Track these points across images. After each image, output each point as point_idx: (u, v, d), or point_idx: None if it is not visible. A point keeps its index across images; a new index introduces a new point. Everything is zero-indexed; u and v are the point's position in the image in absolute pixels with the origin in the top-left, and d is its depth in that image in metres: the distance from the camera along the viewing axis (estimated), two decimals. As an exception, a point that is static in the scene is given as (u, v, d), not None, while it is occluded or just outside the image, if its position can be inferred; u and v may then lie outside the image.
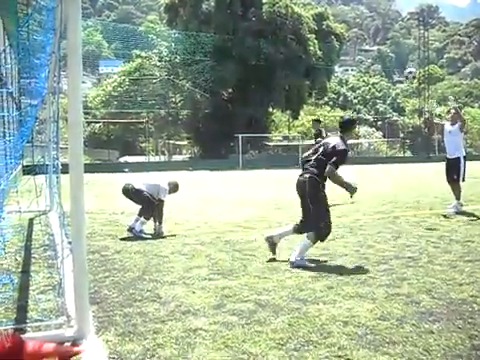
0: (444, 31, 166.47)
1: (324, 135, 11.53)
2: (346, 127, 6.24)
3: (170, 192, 8.07)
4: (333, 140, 6.03)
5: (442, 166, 10.88)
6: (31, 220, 9.30)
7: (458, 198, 10.08)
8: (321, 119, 14.16)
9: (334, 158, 5.77)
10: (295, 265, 5.61)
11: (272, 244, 6.11)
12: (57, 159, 5.14)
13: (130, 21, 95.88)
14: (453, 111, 10.73)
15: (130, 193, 7.93)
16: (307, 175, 5.93)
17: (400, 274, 5.27)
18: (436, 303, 4.30)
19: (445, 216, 9.47)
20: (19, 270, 5.60)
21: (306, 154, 6.38)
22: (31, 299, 4.48)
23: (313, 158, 6.00)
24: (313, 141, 13.16)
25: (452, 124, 10.22)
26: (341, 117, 7.12)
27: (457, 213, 9.75)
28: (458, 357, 3.22)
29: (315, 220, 5.86)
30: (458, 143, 10.20)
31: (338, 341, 3.49)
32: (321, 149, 5.99)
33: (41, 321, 3.82)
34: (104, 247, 6.94)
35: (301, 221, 6.12)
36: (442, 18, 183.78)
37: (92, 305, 4.24)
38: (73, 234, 3.50)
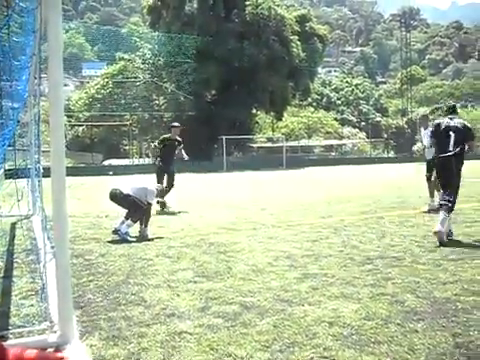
0: (426, 32, 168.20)
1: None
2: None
3: (158, 196, 8.07)
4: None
5: (424, 165, 11.08)
6: (13, 224, 9.19)
7: (432, 195, 10.43)
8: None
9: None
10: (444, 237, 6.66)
11: (447, 235, 6.87)
12: (38, 162, 5.08)
13: (113, 23, 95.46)
14: (422, 114, 11.47)
15: (118, 198, 7.87)
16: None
17: (385, 274, 5.29)
18: (420, 302, 4.32)
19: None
20: (1, 275, 5.52)
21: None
22: (13, 305, 4.42)
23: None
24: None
25: (424, 128, 10.73)
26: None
27: (431, 211, 9.92)
28: (442, 355, 3.23)
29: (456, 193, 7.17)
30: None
31: (323, 342, 3.49)
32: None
33: (24, 327, 3.76)
34: (88, 251, 6.87)
35: (448, 200, 7.08)
36: (423, 20, 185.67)
37: (76, 310, 4.20)
38: (56, 238, 3.46)
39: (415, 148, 12.16)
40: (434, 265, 5.63)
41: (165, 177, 11.31)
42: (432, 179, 10.36)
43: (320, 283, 4.97)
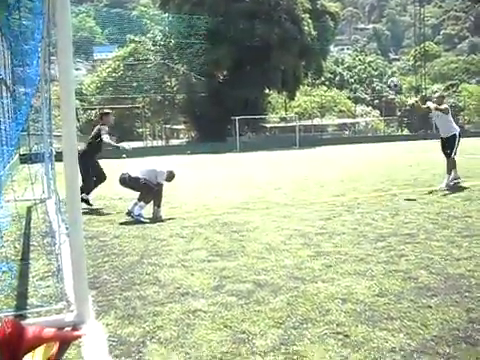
0: (440, 7, 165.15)
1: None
2: None
3: (167, 180, 8.06)
4: None
5: (438, 143, 10.96)
6: (29, 208, 9.30)
7: (449, 173, 10.31)
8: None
9: None
10: None
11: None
12: (51, 146, 5.13)
13: (123, 6, 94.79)
14: (438, 94, 11.19)
15: (127, 182, 7.91)
16: None
17: (398, 251, 5.29)
18: (434, 278, 4.32)
19: (431, 192, 9.62)
20: (18, 258, 5.61)
21: None
22: (31, 286, 4.50)
23: None
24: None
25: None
26: None
27: (452, 188, 9.86)
28: (455, 330, 3.24)
29: None
30: (450, 122, 10.42)
31: (337, 318, 3.51)
32: None
33: (41, 307, 3.84)
34: (102, 232, 6.95)
35: None
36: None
37: (92, 290, 4.27)
38: (70, 220, 3.51)
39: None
40: (448, 241, 5.62)
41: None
42: (453, 155, 10.29)
43: (333, 261, 4.99)
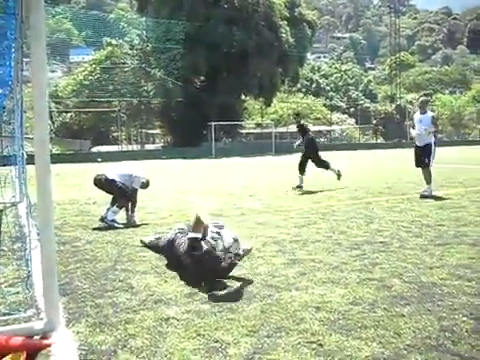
0: (415, 18, 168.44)
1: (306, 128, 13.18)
2: None
3: (141, 187, 7.96)
4: None
5: (413, 152, 11.06)
6: (0, 212, 9.10)
7: (428, 182, 10.30)
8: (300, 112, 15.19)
9: None
10: None
11: None
12: (22, 149, 5.03)
13: (100, 8, 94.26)
14: (422, 99, 11.13)
15: (102, 183, 7.80)
16: None
17: (372, 259, 5.31)
18: (407, 287, 4.34)
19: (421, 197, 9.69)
20: (-13, 263, 5.47)
21: None
22: (-1, 292, 4.39)
23: None
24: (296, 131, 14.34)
25: (422, 113, 10.46)
26: None
27: (428, 197, 9.93)
28: (427, 338, 3.26)
29: None
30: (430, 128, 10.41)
31: (310, 327, 3.50)
32: None
33: (9, 315, 3.74)
34: (75, 238, 6.84)
35: None
36: (412, 6, 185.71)
37: (63, 296, 4.18)
38: (41, 224, 3.43)
39: (413, 134, 12.01)
40: (421, 250, 5.66)
41: None
42: (431, 165, 10.33)
43: (308, 268, 4.98)
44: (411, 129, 11.01)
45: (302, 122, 13.67)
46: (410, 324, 3.51)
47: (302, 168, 12.62)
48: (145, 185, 8.01)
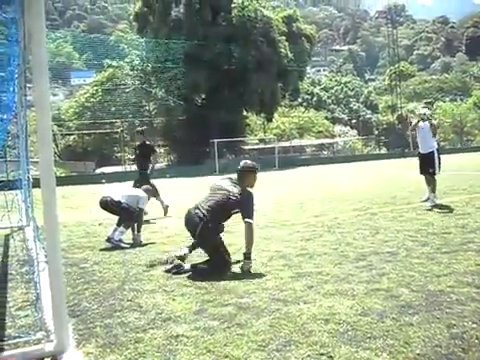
0: (412, 28, 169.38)
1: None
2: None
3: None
4: None
5: (416, 161, 11.07)
6: (7, 236, 9.15)
7: (433, 191, 10.29)
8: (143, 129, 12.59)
9: None
10: None
11: None
12: (28, 173, 5.08)
13: (100, 31, 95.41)
14: (423, 112, 11.17)
15: (108, 205, 7.86)
16: None
17: (379, 269, 5.31)
18: (415, 296, 4.34)
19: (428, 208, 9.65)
20: (-4, 287, 5.50)
21: None
22: (8, 316, 4.41)
23: None
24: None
25: (424, 121, 10.50)
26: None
27: (433, 206, 9.92)
28: (437, 347, 3.26)
29: None
30: (431, 138, 10.43)
31: (320, 339, 3.50)
32: None
33: (19, 338, 3.75)
34: (83, 259, 6.86)
35: None
36: (409, 16, 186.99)
37: (72, 318, 4.20)
38: (48, 247, 3.46)
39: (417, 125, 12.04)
40: (428, 258, 5.66)
41: None
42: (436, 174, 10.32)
43: (315, 281, 4.98)
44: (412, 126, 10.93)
45: (146, 141, 11.63)
46: (419, 333, 3.51)
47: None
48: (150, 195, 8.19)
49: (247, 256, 5.57)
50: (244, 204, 5.63)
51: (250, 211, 5.58)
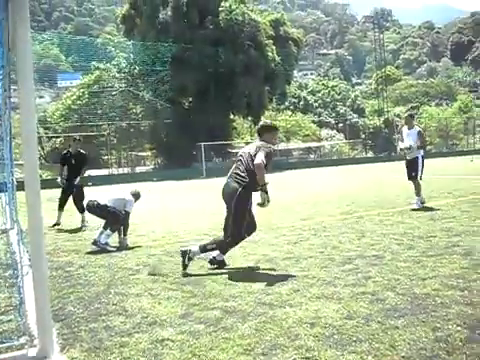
0: (398, 33, 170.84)
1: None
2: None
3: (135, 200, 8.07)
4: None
5: (402, 165, 11.18)
6: (-9, 239, 9.05)
7: (418, 194, 10.41)
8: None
9: None
10: None
11: None
12: (12, 175, 5.03)
13: (87, 33, 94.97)
14: (407, 113, 11.42)
15: (95, 209, 7.83)
16: None
17: (365, 273, 5.33)
18: (401, 299, 4.36)
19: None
20: (-21, 291, 5.43)
21: None
22: (-8, 320, 4.36)
23: None
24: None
25: (409, 128, 10.68)
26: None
27: (418, 209, 10.01)
28: (422, 350, 3.27)
29: None
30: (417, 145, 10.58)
31: (305, 343, 3.50)
32: None
33: (2, 343, 3.70)
34: (68, 263, 6.81)
35: None
36: (396, 21, 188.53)
37: (56, 322, 4.16)
38: (32, 250, 3.42)
39: (402, 147, 12.08)
40: (413, 262, 5.69)
41: None
42: (418, 178, 10.47)
43: (301, 285, 4.99)
44: (399, 142, 11.14)
45: (81, 150, 11.24)
46: (405, 336, 3.52)
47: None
48: (137, 197, 8.09)
49: (262, 188, 5.90)
50: (259, 151, 5.89)
51: (261, 157, 5.81)
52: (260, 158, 5.78)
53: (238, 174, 6.05)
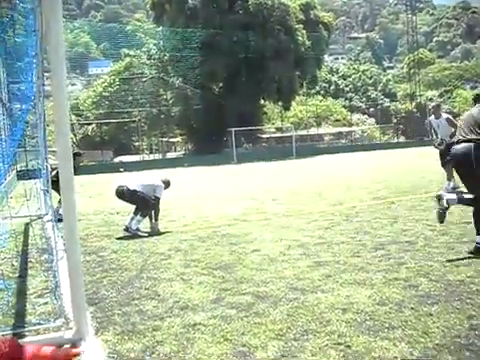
0: (432, 14, 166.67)
1: None
2: None
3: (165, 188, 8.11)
4: None
5: (434, 150, 10.98)
6: (27, 225, 9.27)
7: (449, 179, 10.29)
8: None
9: None
10: None
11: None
12: (47, 162, 5.11)
13: (117, 20, 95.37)
14: (434, 103, 11.22)
15: (124, 194, 7.90)
16: None
17: (398, 259, 5.27)
18: (434, 285, 4.30)
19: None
20: (16, 275, 5.57)
21: None
22: (29, 303, 4.47)
23: None
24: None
25: (437, 117, 10.54)
26: None
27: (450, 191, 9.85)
28: (456, 337, 3.22)
29: None
30: (449, 131, 10.40)
31: (337, 329, 3.49)
32: None
33: (39, 325, 3.80)
34: (101, 248, 6.92)
35: None
36: (429, 1, 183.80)
37: (91, 306, 4.24)
38: (66, 236, 3.48)
39: (435, 144, 11.86)
40: (447, 248, 5.60)
41: None
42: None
43: (333, 270, 4.96)
44: (436, 144, 10.82)
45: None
46: (438, 323, 3.47)
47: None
48: (167, 185, 8.13)
49: None
50: None
51: None
52: None
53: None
